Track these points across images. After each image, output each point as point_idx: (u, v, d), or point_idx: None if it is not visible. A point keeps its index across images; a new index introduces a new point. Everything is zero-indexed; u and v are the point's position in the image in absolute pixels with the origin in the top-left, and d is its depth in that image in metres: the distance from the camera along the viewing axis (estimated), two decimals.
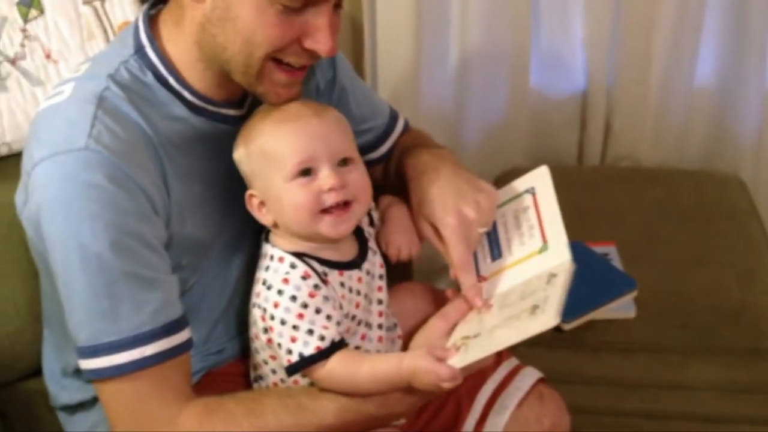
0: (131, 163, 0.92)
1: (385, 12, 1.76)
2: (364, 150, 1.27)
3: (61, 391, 1.12)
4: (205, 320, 1.07)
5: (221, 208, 1.04)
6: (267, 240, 1.02)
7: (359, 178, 0.99)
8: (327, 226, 0.97)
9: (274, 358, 1.00)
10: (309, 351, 0.94)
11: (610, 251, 1.58)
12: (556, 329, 1.43)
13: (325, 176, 0.96)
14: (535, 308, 0.91)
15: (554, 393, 1.17)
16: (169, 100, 0.99)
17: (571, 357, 1.48)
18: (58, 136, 0.92)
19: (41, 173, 0.92)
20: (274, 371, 1.02)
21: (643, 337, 1.46)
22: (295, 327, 0.94)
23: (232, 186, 1.02)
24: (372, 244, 1.06)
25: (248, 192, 1.00)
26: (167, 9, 1.01)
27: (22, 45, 1.20)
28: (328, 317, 0.95)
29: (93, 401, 1.06)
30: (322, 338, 0.94)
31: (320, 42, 0.94)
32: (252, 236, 1.05)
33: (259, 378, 1.05)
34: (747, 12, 1.82)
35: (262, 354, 1.02)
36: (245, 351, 1.09)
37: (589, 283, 1.46)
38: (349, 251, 1.02)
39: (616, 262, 1.55)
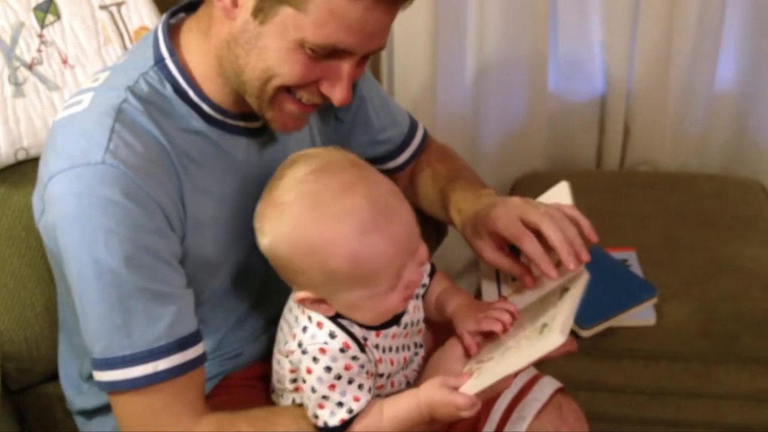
0: (148, 178, 0.91)
1: (401, 18, 1.74)
2: (382, 160, 1.27)
3: (79, 395, 1.12)
4: (218, 329, 1.07)
5: (237, 221, 1.02)
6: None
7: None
8: (402, 305, 0.95)
9: (297, 389, 0.98)
10: (334, 422, 0.92)
11: (630, 257, 1.56)
12: (575, 336, 1.42)
13: (411, 273, 0.91)
14: (544, 327, 0.89)
15: (573, 403, 1.15)
16: (187, 113, 0.98)
17: (591, 364, 1.46)
18: (75, 148, 0.91)
19: (57, 186, 0.91)
20: (293, 400, 1.00)
21: (664, 344, 1.44)
22: (324, 397, 0.92)
23: (250, 201, 0.98)
24: None
25: (299, 296, 0.92)
26: (195, 17, 1.00)
27: (39, 50, 1.20)
28: (360, 387, 0.93)
29: (110, 406, 1.06)
30: (350, 411, 0.92)
31: (336, 90, 0.95)
32: None
33: (276, 395, 1.04)
34: None
35: (285, 384, 1.00)
36: (264, 354, 1.08)
37: (608, 289, 1.44)
38: None
39: (636, 268, 1.53)
